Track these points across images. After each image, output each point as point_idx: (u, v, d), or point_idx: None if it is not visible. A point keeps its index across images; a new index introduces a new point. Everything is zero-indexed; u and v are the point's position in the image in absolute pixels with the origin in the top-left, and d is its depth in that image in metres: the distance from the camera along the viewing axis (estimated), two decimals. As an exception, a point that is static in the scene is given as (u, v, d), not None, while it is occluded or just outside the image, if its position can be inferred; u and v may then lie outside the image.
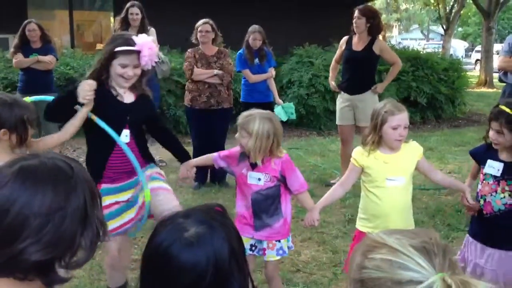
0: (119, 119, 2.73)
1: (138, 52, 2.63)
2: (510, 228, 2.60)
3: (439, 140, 8.18)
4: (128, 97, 2.78)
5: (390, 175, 2.71)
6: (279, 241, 2.79)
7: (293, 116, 6.22)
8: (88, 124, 2.71)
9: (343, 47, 5.46)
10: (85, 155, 2.91)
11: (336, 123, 5.68)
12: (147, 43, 2.66)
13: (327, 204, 2.97)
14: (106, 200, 2.72)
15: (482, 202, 2.70)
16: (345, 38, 5.52)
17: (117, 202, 2.77)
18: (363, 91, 5.30)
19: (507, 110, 2.49)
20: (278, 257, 2.81)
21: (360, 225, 2.85)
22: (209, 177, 5.63)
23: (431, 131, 9.18)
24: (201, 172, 5.53)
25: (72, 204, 1.01)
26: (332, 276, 3.47)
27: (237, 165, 2.81)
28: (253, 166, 2.73)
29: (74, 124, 2.67)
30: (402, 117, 2.67)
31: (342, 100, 5.47)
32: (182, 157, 3.09)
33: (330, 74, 5.84)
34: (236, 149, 2.85)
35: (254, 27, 5.69)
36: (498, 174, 2.62)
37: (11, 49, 6.21)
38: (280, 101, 6.09)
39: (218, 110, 5.33)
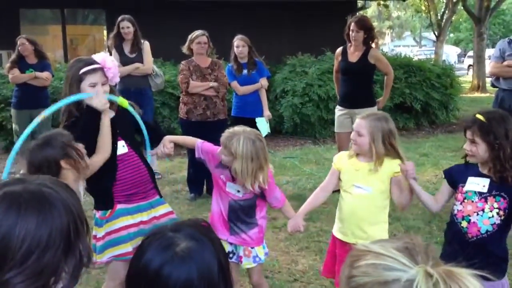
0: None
1: (102, 69, 2.66)
2: (498, 254, 2.40)
3: (434, 145, 8.20)
4: (109, 113, 2.75)
5: (358, 182, 2.74)
6: (253, 248, 2.82)
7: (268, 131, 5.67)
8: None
9: (339, 58, 5.45)
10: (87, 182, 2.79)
11: (334, 130, 5.68)
12: (107, 58, 2.70)
13: (309, 210, 3.00)
14: (122, 221, 2.69)
15: (465, 224, 2.40)
16: (340, 49, 5.49)
17: (133, 225, 2.71)
18: (362, 105, 5.25)
19: (481, 118, 2.33)
20: (255, 264, 2.82)
21: (334, 228, 2.92)
22: (205, 189, 5.62)
23: (426, 137, 9.22)
24: (198, 184, 5.52)
25: (56, 232, 1.00)
26: (330, 285, 3.46)
27: (215, 167, 2.80)
28: (233, 178, 2.73)
29: (106, 137, 2.61)
30: (357, 122, 2.75)
31: (340, 108, 5.49)
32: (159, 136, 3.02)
33: (335, 86, 5.77)
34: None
35: (237, 36, 5.61)
36: (485, 190, 2.37)
37: (8, 64, 6.24)
38: (268, 113, 5.70)
39: (214, 122, 5.32)
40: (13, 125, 6.30)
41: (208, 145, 2.88)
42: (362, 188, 2.73)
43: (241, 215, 2.77)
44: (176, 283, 1.05)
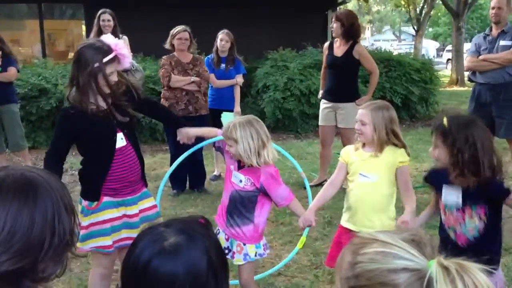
0: (107, 127, 2.69)
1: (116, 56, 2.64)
2: (491, 249, 2.36)
3: (414, 139, 8.30)
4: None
5: (363, 171, 2.79)
6: (245, 244, 2.84)
7: None
8: (80, 139, 2.69)
9: (326, 53, 5.51)
10: (79, 170, 2.85)
11: (318, 123, 5.73)
12: (117, 43, 2.67)
13: (320, 205, 3.02)
14: (107, 214, 2.70)
15: (452, 234, 2.40)
16: (327, 43, 5.58)
17: (116, 218, 2.73)
18: (345, 100, 5.31)
19: (444, 122, 2.29)
20: (244, 262, 2.84)
21: (342, 219, 2.95)
22: (188, 185, 5.60)
23: (406, 131, 9.30)
24: (180, 180, 5.49)
25: (40, 215, 1.02)
26: (314, 279, 3.49)
27: (230, 157, 2.87)
28: (239, 167, 2.81)
29: None
30: (359, 112, 2.80)
31: (324, 102, 5.53)
32: (179, 124, 3.29)
33: (321, 82, 5.80)
34: None
35: (223, 30, 5.80)
36: (460, 202, 2.35)
37: None
38: (238, 109, 5.86)
39: (196, 117, 5.28)
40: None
41: None
42: (367, 176, 2.77)
43: (239, 206, 2.80)
44: (163, 277, 1.05)
